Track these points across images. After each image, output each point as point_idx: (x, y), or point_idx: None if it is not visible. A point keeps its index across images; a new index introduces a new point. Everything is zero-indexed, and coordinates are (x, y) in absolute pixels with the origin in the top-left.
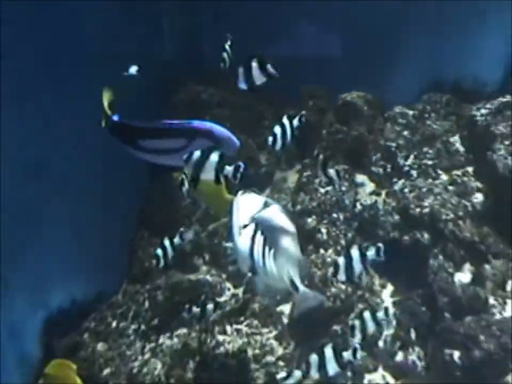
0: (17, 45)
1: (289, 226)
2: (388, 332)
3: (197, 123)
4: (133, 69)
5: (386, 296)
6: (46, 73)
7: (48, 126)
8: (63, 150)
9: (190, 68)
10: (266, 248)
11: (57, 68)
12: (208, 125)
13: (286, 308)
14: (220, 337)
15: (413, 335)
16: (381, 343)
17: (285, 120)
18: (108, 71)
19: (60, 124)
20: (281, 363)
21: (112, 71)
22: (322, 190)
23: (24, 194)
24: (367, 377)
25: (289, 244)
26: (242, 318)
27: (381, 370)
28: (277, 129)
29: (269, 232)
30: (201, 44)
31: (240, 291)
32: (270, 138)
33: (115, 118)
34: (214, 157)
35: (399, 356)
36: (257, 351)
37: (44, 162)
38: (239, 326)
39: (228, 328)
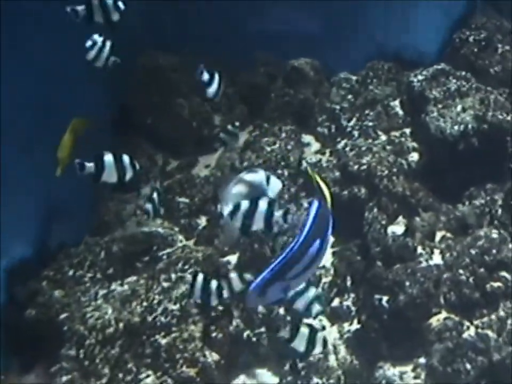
0: None
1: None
2: (326, 279)
3: None
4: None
5: None
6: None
7: (16, 89)
8: (30, 111)
9: (153, 40)
10: None
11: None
12: None
13: (233, 258)
14: (165, 284)
15: (348, 282)
16: (319, 290)
17: None
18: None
19: (27, 87)
20: (220, 307)
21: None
22: (268, 148)
23: None
24: (305, 321)
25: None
26: (186, 267)
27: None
28: None
29: None
30: (164, 19)
31: (191, 243)
32: None
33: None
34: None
35: (335, 302)
36: None
37: (10, 122)
38: (183, 274)
39: (173, 275)
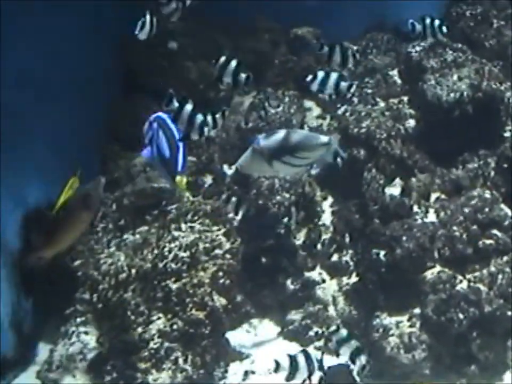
0: None
1: None
2: (325, 236)
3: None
4: None
5: (326, 206)
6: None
7: (33, 39)
8: (45, 63)
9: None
10: None
11: None
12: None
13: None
14: (175, 233)
15: (347, 239)
16: (319, 246)
17: None
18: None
19: (43, 38)
20: (228, 256)
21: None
22: (272, 111)
23: (9, 100)
24: (306, 274)
25: None
26: (196, 217)
27: (318, 269)
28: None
29: None
30: None
31: (197, 199)
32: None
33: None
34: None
35: (335, 257)
36: (207, 245)
37: (28, 72)
38: (192, 224)
39: (183, 225)
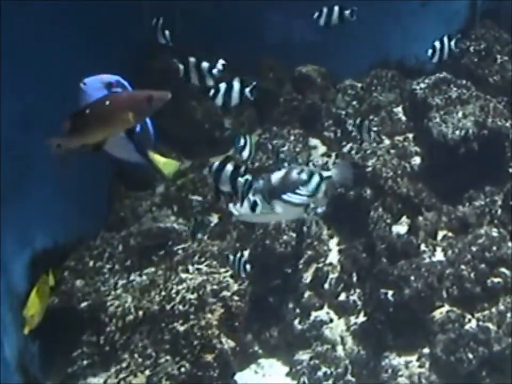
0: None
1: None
2: (333, 275)
3: None
4: None
5: (333, 244)
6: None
7: (39, 80)
8: (52, 102)
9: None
10: None
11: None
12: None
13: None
14: (183, 275)
15: (354, 278)
16: (326, 285)
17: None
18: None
19: (50, 78)
20: (235, 297)
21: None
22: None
23: (15, 143)
24: (313, 314)
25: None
26: (203, 259)
27: (326, 308)
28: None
29: None
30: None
31: (204, 239)
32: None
33: None
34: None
35: (342, 296)
36: (215, 287)
37: (33, 112)
38: (199, 266)
39: (190, 267)
